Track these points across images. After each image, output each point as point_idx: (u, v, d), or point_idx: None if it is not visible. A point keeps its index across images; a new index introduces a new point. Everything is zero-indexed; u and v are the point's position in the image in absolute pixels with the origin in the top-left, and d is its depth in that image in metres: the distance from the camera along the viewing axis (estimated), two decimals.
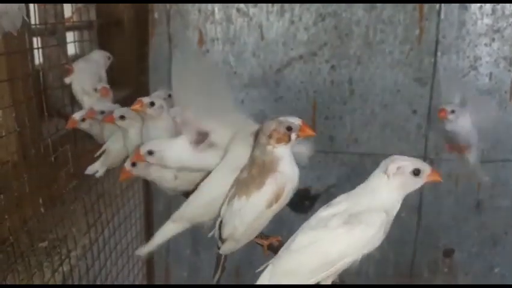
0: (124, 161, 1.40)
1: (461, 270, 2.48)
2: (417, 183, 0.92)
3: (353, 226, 0.89)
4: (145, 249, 1.19)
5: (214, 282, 1.19)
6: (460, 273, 2.48)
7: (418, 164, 0.91)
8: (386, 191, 0.91)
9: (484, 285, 2.45)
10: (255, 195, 1.05)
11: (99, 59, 1.81)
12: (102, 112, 1.56)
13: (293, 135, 1.05)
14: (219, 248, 1.14)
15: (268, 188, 1.04)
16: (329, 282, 0.94)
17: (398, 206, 0.93)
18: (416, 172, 0.90)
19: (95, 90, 1.69)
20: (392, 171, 0.90)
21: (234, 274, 2.51)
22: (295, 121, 1.05)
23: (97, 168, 1.56)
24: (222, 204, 1.13)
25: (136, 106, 1.33)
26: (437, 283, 2.50)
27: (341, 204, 0.94)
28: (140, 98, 1.34)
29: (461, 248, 2.45)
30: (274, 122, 1.05)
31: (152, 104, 1.34)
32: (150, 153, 1.26)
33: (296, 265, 0.92)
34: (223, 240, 1.12)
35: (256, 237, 1.14)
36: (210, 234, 1.17)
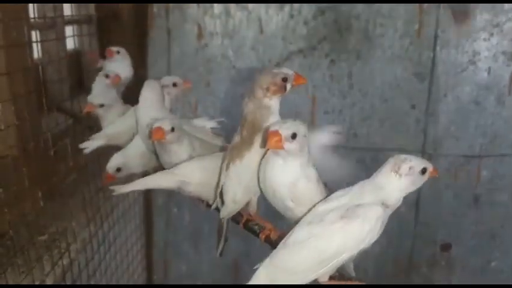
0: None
1: (458, 264, 2.49)
2: (422, 180, 0.95)
3: (349, 220, 0.89)
4: (121, 189, 1.19)
5: (217, 254, 1.23)
6: (457, 267, 2.49)
7: (424, 162, 0.95)
8: (396, 189, 0.93)
9: (481, 285, 2.45)
10: (247, 157, 1.09)
11: None
12: (101, 105, 1.57)
13: (288, 86, 1.10)
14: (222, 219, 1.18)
15: (257, 146, 1.08)
16: (326, 278, 0.94)
17: (400, 203, 0.95)
18: (424, 171, 0.94)
19: (106, 76, 1.71)
20: (405, 171, 0.93)
21: (233, 267, 2.52)
22: (289, 71, 1.10)
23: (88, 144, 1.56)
24: (220, 175, 1.16)
25: None
26: (435, 277, 2.51)
27: (341, 199, 0.94)
28: None
29: (458, 242, 2.46)
30: (269, 74, 1.09)
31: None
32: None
33: (293, 261, 0.91)
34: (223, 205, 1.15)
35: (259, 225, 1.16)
36: (213, 207, 1.20)
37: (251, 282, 0.93)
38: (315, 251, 0.90)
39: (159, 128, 1.24)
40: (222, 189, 1.15)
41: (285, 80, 1.09)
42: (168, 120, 1.27)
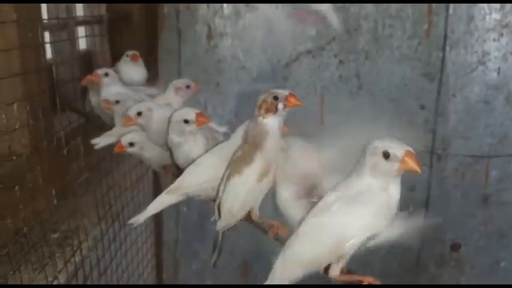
0: None
1: (467, 264, 2.48)
2: (390, 167, 0.89)
3: (353, 208, 0.91)
4: (137, 219, 1.22)
5: (211, 264, 1.23)
6: (466, 267, 2.49)
7: (395, 148, 0.90)
8: (365, 172, 0.92)
9: (490, 285, 2.45)
10: (246, 172, 1.11)
11: None
12: (117, 102, 1.59)
13: (280, 105, 1.10)
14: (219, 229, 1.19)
15: (257, 164, 1.10)
16: (339, 268, 0.95)
17: (393, 192, 0.91)
18: (386, 155, 0.89)
19: (127, 55, 1.83)
20: (370, 150, 0.92)
21: (243, 266, 2.54)
22: (283, 91, 1.12)
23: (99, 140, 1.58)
24: (219, 185, 1.18)
25: None
26: (444, 277, 2.51)
27: (341, 187, 0.95)
28: None
29: (467, 242, 2.46)
30: (264, 93, 1.12)
31: None
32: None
33: (304, 250, 0.94)
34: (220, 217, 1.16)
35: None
36: (213, 218, 1.21)
37: (270, 277, 0.96)
38: (324, 239, 0.92)
39: (202, 114, 1.28)
40: (219, 201, 1.16)
41: (275, 98, 1.10)
42: None
